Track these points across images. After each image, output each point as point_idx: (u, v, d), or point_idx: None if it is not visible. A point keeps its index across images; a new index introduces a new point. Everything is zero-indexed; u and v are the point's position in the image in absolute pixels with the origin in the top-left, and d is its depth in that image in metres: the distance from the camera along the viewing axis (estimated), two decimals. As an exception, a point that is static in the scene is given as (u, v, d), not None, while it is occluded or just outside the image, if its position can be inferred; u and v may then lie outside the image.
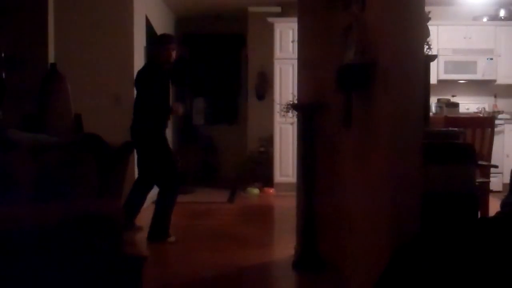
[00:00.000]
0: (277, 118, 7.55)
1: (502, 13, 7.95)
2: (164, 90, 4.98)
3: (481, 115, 7.68)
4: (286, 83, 7.53)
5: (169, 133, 6.18)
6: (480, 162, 4.19)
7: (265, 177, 7.96)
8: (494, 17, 7.97)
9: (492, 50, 7.81)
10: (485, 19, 7.97)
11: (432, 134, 3.20)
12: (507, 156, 7.44)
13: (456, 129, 3.78)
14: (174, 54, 5.00)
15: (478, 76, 7.86)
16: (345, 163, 3.75)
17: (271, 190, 7.74)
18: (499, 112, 7.87)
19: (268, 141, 8.11)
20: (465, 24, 7.88)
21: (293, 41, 7.32)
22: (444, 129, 4.01)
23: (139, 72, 5.11)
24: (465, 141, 4.03)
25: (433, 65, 4.54)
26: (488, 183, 4.59)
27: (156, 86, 4.92)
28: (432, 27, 4.22)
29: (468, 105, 8.02)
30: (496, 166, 4.81)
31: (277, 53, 7.70)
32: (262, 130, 8.19)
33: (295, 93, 4.63)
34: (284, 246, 4.63)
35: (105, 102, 5.88)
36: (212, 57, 9.38)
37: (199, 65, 9.34)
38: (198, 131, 9.33)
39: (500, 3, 7.87)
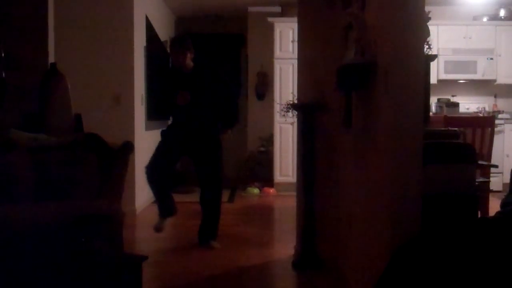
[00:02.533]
0: (277, 118, 7.55)
1: (502, 13, 7.95)
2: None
3: (481, 115, 7.68)
4: (286, 83, 7.53)
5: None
6: (480, 162, 4.19)
7: (265, 177, 7.96)
8: (494, 17, 7.96)
9: (492, 50, 7.81)
10: (485, 19, 7.97)
11: (432, 134, 3.20)
12: (507, 156, 7.44)
13: (456, 129, 3.78)
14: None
15: (478, 76, 7.86)
16: (345, 163, 3.76)
17: (271, 190, 7.73)
18: (499, 112, 7.87)
19: (268, 141, 8.11)
20: (465, 24, 7.88)
21: (293, 41, 7.32)
22: (444, 129, 4.01)
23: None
24: (465, 141, 4.02)
25: (433, 65, 4.53)
26: (488, 183, 4.59)
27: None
28: (432, 27, 4.22)
29: (468, 105, 8.02)
30: (496, 166, 4.81)
31: (277, 53, 7.70)
32: (262, 130, 8.19)
33: (295, 93, 4.63)
34: (284, 246, 4.63)
35: (105, 102, 5.88)
36: (212, 57, 9.36)
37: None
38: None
39: (500, 3, 7.87)
